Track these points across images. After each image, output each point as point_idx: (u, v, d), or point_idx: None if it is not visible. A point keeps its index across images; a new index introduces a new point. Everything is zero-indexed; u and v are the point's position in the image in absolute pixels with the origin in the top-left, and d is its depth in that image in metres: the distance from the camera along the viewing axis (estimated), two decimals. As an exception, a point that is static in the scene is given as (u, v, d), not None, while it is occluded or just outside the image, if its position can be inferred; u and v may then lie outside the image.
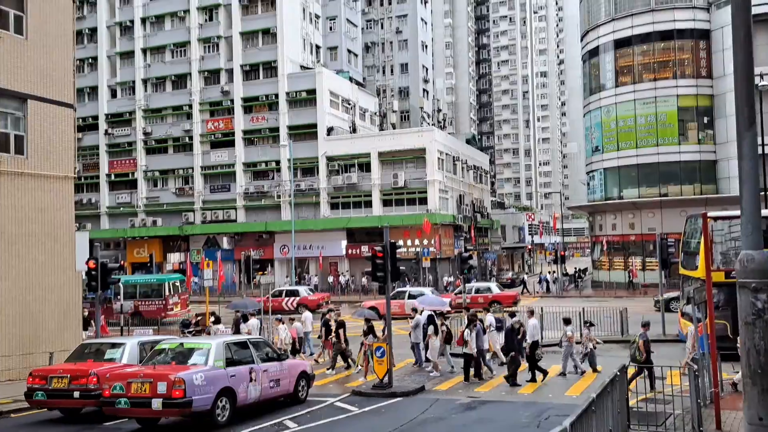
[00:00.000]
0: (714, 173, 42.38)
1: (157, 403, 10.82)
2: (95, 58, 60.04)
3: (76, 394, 12.32)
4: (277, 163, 52.89)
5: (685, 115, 42.74)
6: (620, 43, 44.33)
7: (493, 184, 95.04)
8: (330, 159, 50.99)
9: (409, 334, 18.96)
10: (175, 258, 56.73)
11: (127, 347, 13.25)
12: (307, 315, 22.04)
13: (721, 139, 41.90)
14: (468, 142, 62.88)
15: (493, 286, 35.68)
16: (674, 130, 42.63)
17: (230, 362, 12.17)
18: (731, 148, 41.37)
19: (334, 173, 51.02)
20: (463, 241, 51.89)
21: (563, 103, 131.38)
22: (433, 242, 46.38)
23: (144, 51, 58.08)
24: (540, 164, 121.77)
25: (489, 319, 18.91)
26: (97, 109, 59.47)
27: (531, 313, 17.80)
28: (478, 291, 33.61)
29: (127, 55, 58.85)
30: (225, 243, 53.67)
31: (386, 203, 49.80)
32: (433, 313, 19.43)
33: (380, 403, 14.10)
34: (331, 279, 49.23)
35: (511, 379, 15.96)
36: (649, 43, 43.56)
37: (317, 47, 58.57)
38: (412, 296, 29.32)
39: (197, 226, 54.58)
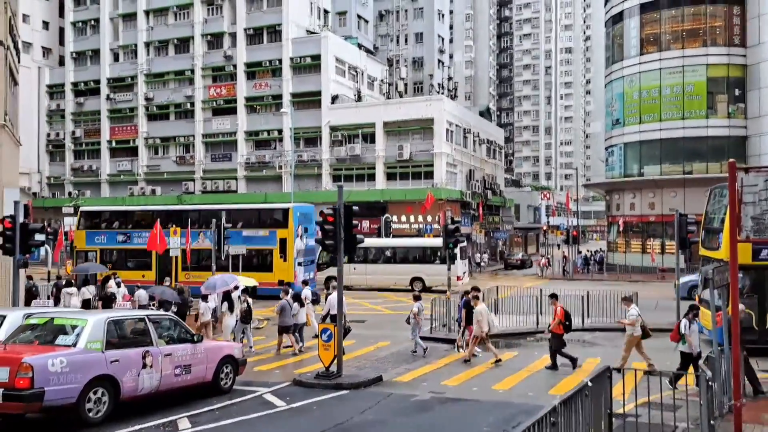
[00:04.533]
0: (744, 150, 38.87)
1: (-5, 395, 8.42)
2: (97, 20, 58.03)
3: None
4: (280, 132, 50.46)
5: (714, 87, 39.26)
6: (646, 7, 40.77)
7: (510, 162, 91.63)
8: (333, 129, 48.35)
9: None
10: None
11: (8, 320, 10.86)
12: None
13: (753, 113, 38.40)
14: (482, 114, 59.55)
15: None
16: (702, 103, 39.21)
17: (114, 344, 9.75)
18: (764, 123, 37.95)
19: (337, 144, 48.41)
20: (471, 219, 49.04)
21: (588, 81, 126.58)
22: (437, 219, 43.60)
23: (147, 13, 55.83)
24: (561, 144, 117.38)
25: (305, 292, 18.46)
26: (98, 73, 57.62)
27: (327, 287, 18.11)
28: None
29: (130, 17, 56.64)
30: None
31: (390, 177, 47.10)
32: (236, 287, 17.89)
33: (318, 396, 11.61)
34: (329, 255, 46.85)
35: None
36: (677, 8, 40.01)
37: (325, 11, 55.69)
38: None
39: (196, 196, 52.41)
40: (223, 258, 24.62)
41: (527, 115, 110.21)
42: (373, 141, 47.25)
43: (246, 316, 16.47)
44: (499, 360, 14.94)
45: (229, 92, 52.68)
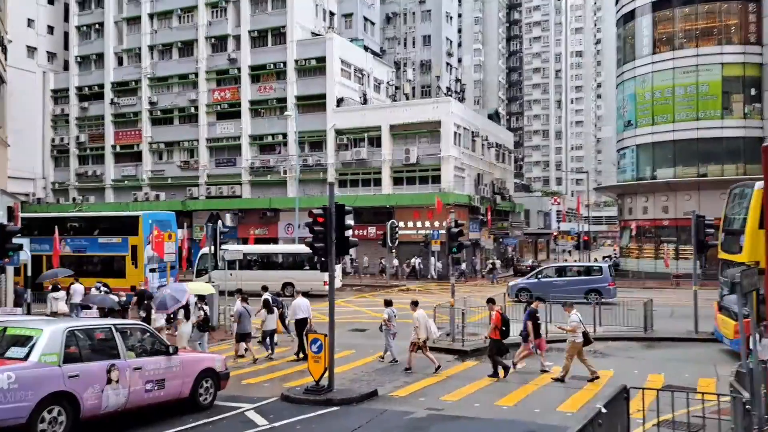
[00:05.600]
0: (760, 151, 37.71)
1: (-69, 415, 7.52)
2: (102, 24, 57.68)
3: None
4: (284, 136, 49.66)
5: (729, 86, 38.08)
6: (659, 5, 39.68)
7: (520, 167, 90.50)
8: (339, 132, 47.50)
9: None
10: (179, 235, 54.15)
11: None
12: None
13: (771, 113, 37.26)
14: (490, 117, 58.46)
15: None
16: (717, 103, 38.03)
17: (74, 356, 8.83)
18: (782, 124, 36.80)
19: (343, 148, 47.53)
20: (479, 225, 47.95)
21: (599, 85, 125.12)
22: (444, 224, 42.55)
23: (151, 16, 55.37)
24: (572, 148, 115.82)
25: (266, 297, 17.44)
26: (102, 78, 57.20)
27: (300, 293, 17.25)
28: None
29: (134, 21, 56.20)
30: (228, 220, 50.63)
31: (396, 181, 46.12)
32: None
33: (306, 414, 10.65)
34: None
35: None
36: (691, 6, 38.90)
37: (331, 14, 54.93)
38: None
39: (200, 202, 51.73)
40: (218, 263, 23.82)
41: (537, 119, 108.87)
42: (379, 145, 46.36)
43: (203, 324, 15.60)
44: (408, 368, 14.45)
45: (233, 96, 52.03)
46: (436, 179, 44.54)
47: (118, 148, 56.79)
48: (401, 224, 41.82)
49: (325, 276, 30.30)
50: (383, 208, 43.91)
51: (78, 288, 19.57)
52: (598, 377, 13.51)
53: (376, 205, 44.41)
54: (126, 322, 11.03)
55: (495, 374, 13.84)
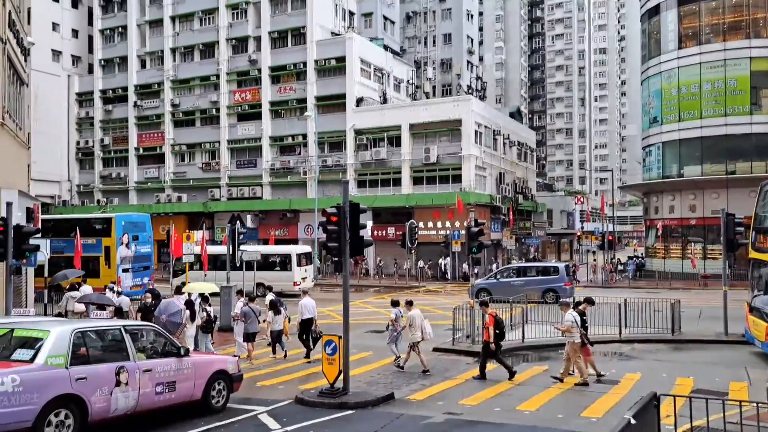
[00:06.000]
0: (791, 148, 36.72)
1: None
2: (125, 27, 58.19)
3: None
4: (304, 137, 49.61)
5: (759, 81, 37.04)
6: (684, -1, 38.91)
7: (543, 166, 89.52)
8: (358, 132, 47.28)
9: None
10: (197, 236, 54.33)
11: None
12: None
13: (802, 108, 36.21)
14: (512, 115, 57.75)
15: None
16: (746, 98, 37.03)
17: (82, 358, 8.66)
18: (814, 119, 35.73)
19: (362, 148, 47.30)
20: (501, 225, 47.37)
21: (623, 82, 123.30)
22: (465, 224, 42.06)
23: (173, 19, 55.74)
24: (596, 147, 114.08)
25: (269, 297, 17.69)
26: (126, 81, 57.70)
27: (304, 293, 17.29)
28: None
29: (156, 24, 56.64)
30: (249, 221, 50.70)
31: (416, 181, 45.71)
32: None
33: (319, 417, 10.38)
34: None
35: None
36: (717, -1, 38.06)
37: (350, 13, 54.81)
38: None
39: (221, 203, 51.89)
40: (237, 263, 23.75)
41: (560, 117, 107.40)
42: (398, 144, 46.03)
43: (207, 326, 15.40)
44: (427, 371, 14.33)
45: (253, 97, 52.13)
46: (457, 179, 44.04)
47: (141, 151, 57.23)
48: (421, 224, 41.45)
49: (295, 277, 31.85)
50: (403, 208, 43.58)
51: (86, 289, 19.61)
52: (561, 380, 13.26)
53: (395, 205, 44.10)
54: (136, 323, 10.86)
55: (498, 374, 13.65)
